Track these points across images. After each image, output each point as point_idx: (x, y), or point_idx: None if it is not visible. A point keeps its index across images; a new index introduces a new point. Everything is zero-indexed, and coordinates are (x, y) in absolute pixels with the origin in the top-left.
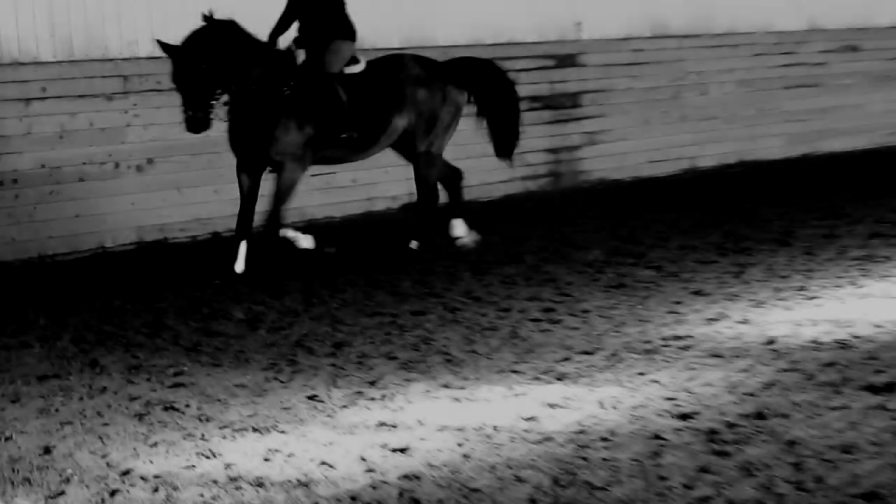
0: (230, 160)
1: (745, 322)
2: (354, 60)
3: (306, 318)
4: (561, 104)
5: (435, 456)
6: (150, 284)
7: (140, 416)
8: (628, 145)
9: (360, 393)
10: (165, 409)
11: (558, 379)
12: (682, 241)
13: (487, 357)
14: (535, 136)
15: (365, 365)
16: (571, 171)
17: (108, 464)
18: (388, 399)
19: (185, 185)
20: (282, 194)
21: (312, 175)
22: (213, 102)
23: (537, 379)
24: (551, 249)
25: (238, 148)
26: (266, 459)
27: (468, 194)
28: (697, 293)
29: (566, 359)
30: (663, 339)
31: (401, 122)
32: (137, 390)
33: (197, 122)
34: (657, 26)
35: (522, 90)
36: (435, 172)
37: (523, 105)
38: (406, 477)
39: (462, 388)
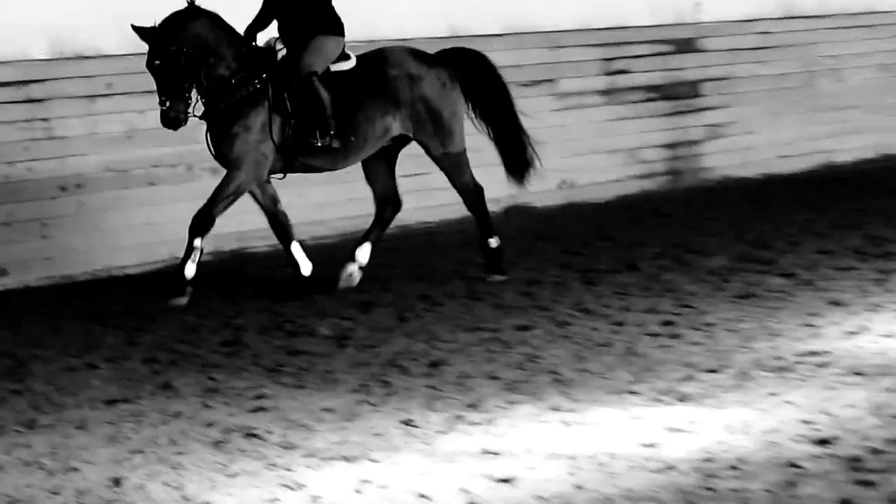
0: None
1: (889, 336)
2: (344, 56)
3: (399, 335)
4: (679, 94)
5: (544, 487)
6: (228, 298)
7: (218, 444)
8: (755, 139)
9: (459, 417)
10: (245, 436)
11: (680, 400)
12: (817, 245)
13: (601, 376)
14: (652, 129)
15: (465, 386)
16: (692, 169)
17: (183, 497)
18: (491, 423)
19: None
20: (220, 199)
21: (404, 176)
22: (189, 95)
23: (657, 400)
24: (670, 256)
25: (212, 150)
26: (357, 491)
27: (578, 195)
28: (835, 303)
29: (689, 378)
30: (797, 355)
31: (394, 125)
32: (214, 415)
33: (175, 116)
34: (786, 6)
35: (637, 79)
36: (466, 172)
37: (639, 95)
38: None
39: (573, 410)
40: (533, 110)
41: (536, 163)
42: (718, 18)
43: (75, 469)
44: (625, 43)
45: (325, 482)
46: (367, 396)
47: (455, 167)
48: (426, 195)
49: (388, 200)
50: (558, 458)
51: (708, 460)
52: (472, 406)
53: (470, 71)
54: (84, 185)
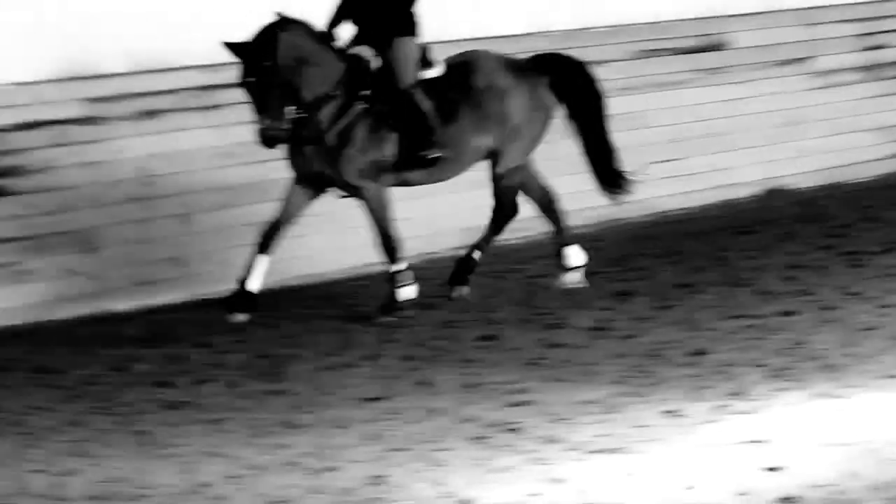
0: (554, 149)
1: None
2: (429, 63)
3: (659, 324)
4: None
5: (816, 474)
6: (483, 292)
7: (478, 440)
8: None
9: (724, 406)
10: (506, 430)
11: None
12: None
13: (870, 361)
14: None
15: (728, 374)
16: None
17: (446, 493)
18: (758, 412)
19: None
20: (382, 219)
21: (659, 161)
22: (287, 111)
23: None
24: None
25: (300, 168)
26: (623, 484)
27: (839, 175)
28: None
29: None
30: None
31: (484, 142)
32: (474, 411)
33: (273, 134)
34: None
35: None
36: (516, 188)
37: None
38: (785, 499)
39: (842, 397)
40: (788, 90)
41: (626, 185)
42: None
43: (336, 468)
44: (883, 17)
45: (589, 475)
46: (629, 387)
47: (511, 178)
48: (682, 180)
49: (541, 198)
50: (830, 446)
51: None
52: (737, 394)
53: (566, 81)
54: None
